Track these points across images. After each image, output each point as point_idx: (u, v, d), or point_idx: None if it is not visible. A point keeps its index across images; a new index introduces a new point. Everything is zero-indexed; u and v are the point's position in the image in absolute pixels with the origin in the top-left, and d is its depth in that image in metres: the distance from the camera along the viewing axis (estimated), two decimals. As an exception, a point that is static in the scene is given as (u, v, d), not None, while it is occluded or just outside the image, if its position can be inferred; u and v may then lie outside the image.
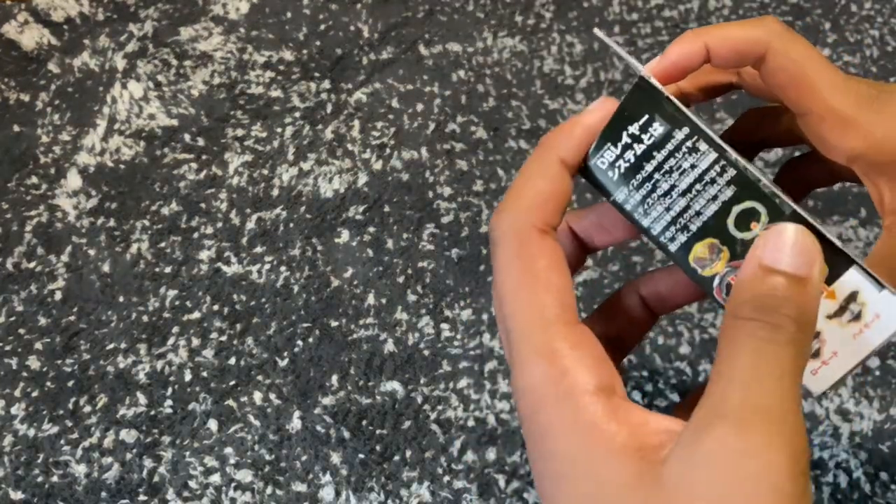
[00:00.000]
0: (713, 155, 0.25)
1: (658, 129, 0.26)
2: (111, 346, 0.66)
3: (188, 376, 0.65)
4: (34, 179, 0.75)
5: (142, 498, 0.60)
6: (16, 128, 0.79)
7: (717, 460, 0.22)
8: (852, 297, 0.25)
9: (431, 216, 0.73)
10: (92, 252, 0.71)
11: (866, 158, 0.32)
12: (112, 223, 0.73)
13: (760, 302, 0.23)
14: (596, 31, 0.28)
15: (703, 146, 0.25)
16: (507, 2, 0.87)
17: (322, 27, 0.85)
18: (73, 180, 0.75)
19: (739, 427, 0.22)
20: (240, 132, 0.78)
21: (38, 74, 0.82)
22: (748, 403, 0.22)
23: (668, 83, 0.32)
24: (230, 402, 0.64)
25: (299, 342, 0.66)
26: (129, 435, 0.62)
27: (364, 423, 0.63)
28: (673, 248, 0.26)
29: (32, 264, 0.71)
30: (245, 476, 0.61)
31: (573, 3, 0.87)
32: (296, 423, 0.63)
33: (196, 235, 0.72)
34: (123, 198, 0.74)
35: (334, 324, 0.67)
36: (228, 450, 0.62)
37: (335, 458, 0.61)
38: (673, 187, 0.26)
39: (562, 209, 0.27)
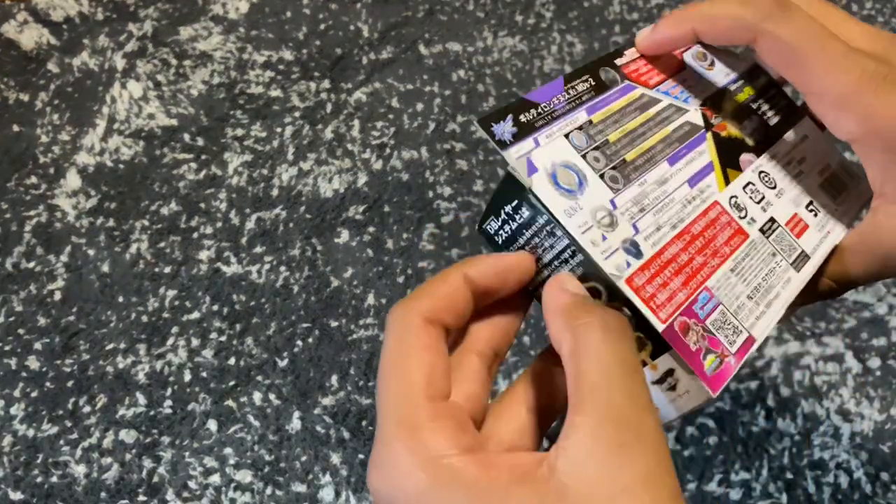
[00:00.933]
0: (565, 241, 0.29)
1: (524, 212, 0.30)
2: (110, 346, 0.66)
3: (188, 376, 0.65)
4: (33, 179, 0.75)
5: (141, 498, 0.60)
6: (15, 127, 0.79)
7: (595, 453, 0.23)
8: (669, 372, 0.29)
9: (431, 216, 0.73)
10: (91, 252, 0.71)
11: (863, 142, 0.31)
12: (111, 223, 0.73)
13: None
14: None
15: (559, 232, 0.29)
16: (507, 1, 0.87)
17: (322, 27, 0.85)
18: (73, 180, 0.75)
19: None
20: (239, 132, 0.78)
21: (38, 74, 0.82)
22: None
23: (660, 54, 0.35)
24: (230, 402, 0.64)
25: (299, 342, 0.66)
26: (128, 435, 0.62)
27: (364, 423, 0.63)
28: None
29: (32, 264, 0.71)
30: (245, 476, 0.61)
31: (573, 3, 0.86)
32: (295, 424, 0.63)
33: (195, 235, 0.72)
34: (123, 198, 0.74)
35: (334, 324, 0.67)
36: (228, 450, 0.62)
37: (335, 458, 0.61)
38: (539, 259, 0.30)
39: (455, 312, 0.29)
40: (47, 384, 0.65)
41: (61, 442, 0.62)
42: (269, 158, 0.76)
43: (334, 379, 0.65)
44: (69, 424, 0.63)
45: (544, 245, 0.30)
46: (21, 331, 0.67)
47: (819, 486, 0.60)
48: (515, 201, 0.30)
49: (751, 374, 0.64)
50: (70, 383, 0.65)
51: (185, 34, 0.84)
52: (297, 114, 0.79)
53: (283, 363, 0.65)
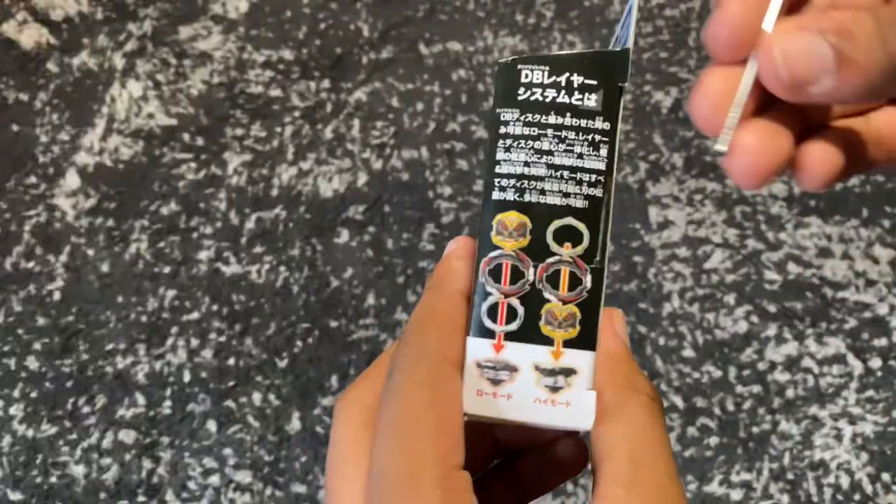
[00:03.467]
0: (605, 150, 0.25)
1: (593, 100, 0.25)
2: (110, 346, 0.66)
3: (187, 377, 0.65)
4: (33, 179, 0.75)
5: (141, 499, 0.60)
6: (14, 127, 0.78)
7: None
8: (568, 372, 0.24)
9: (431, 216, 0.73)
10: (91, 252, 0.71)
11: None
12: (111, 223, 0.72)
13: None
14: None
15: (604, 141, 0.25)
16: (507, 1, 0.87)
17: (322, 26, 0.85)
18: (72, 180, 0.75)
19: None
20: (239, 131, 0.78)
21: (37, 74, 0.82)
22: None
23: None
24: (229, 402, 0.64)
25: (299, 342, 0.66)
26: (127, 435, 0.62)
27: (364, 423, 0.63)
28: (494, 195, 0.25)
29: (31, 264, 0.70)
30: (244, 477, 0.61)
31: (574, 2, 0.86)
32: (295, 424, 0.63)
33: (195, 235, 0.72)
34: (122, 197, 0.74)
35: (334, 324, 0.67)
36: (227, 451, 0.62)
37: (335, 459, 0.61)
38: (551, 152, 0.25)
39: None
40: (46, 384, 0.65)
41: (60, 442, 0.62)
42: (268, 158, 0.76)
43: (334, 379, 0.65)
44: (68, 425, 0.63)
45: (574, 144, 0.25)
46: (20, 331, 0.67)
47: (820, 487, 0.59)
48: (596, 81, 0.25)
49: (752, 375, 0.64)
50: (69, 384, 0.65)
51: (185, 34, 0.84)
52: (296, 113, 0.79)
53: (282, 363, 0.65)
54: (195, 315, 0.68)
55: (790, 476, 0.60)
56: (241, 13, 0.86)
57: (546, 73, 0.25)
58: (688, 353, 0.65)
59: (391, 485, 0.22)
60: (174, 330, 0.67)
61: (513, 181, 0.25)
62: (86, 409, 0.63)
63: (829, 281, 0.68)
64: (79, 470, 0.61)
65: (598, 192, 0.25)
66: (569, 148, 0.25)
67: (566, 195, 0.25)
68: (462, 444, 0.22)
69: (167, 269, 0.70)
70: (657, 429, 0.23)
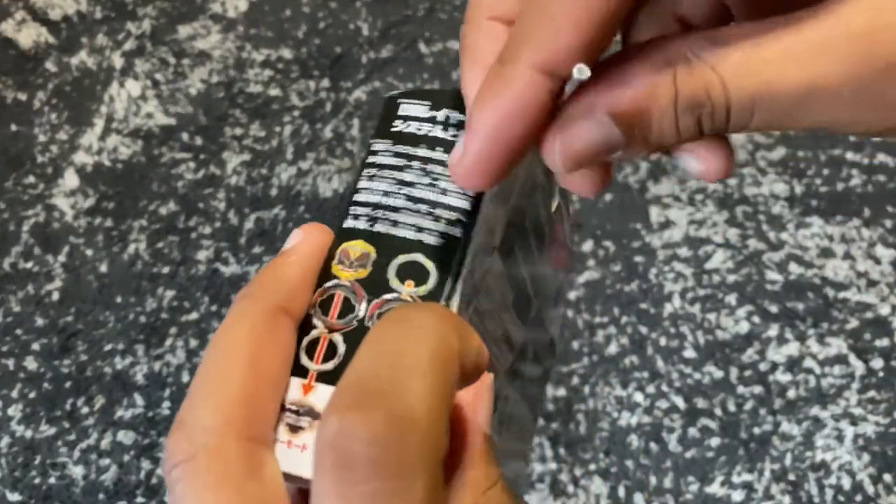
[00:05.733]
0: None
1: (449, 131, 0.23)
2: (109, 346, 0.66)
3: (186, 377, 0.64)
4: (31, 179, 0.75)
5: (140, 500, 0.60)
6: (13, 127, 0.78)
7: None
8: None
9: (431, 216, 0.72)
10: (89, 252, 0.71)
11: None
12: (109, 223, 0.72)
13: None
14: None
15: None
16: None
17: (321, 25, 0.84)
18: (71, 180, 0.75)
19: None
20: (238, 131, 0.78)
21: (36, 73, 0.82)
22: None
23: None
24: (228, 403, 0.63)
25: (298, 343, 0.66)
26: (126, 436, 0.62)
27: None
28: (346, 224, 0.23)
29: (29, 264, 0.70)
30: (243, 478, 0.60)
31: (574, 1, 0.86)
32: (294, 425, 0.62)
33: (194, 235, 0.72)
34: (121, 197, 0.74)
35: (333, 324, 0.67)
36: (227, 452, 0.61)
37: (334, 460, 0.61)
38: (412, 184, 0.23)
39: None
40: (45, 385, 0.64)
41: (59, 443, 0.62)
42: (267, 158, 0.76)
43: (334, 380, 0.64)
44: (67, 425, 0.63)
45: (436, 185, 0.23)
46: (19, 331, 0.67)
47: (821, 488, 0.59)
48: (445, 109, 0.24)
49: (753, 376, 0.64)
50: (68, 384, 0.64)
51: (184, 33, 0.84)
52: (296, 113, 0.79)
53: (282, 364, 0.65)
54: (194, 315, 0.67)
55: (791, 477, 0.60)
56: (241, 12, 0.85)
57: (427, 108, 0.24)
58: (689, 353, 0.65)
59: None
60: (173, 330, 0.67)
61: (367, 210, 0.23)
62: (84, 410, 0.63)
63: (830, 281, 0.67)
64: (77, 471, 0.61)
65: (456, 231, 0.22)
66: (433, 182, 0.23)
67: (420, 230, 0.22)
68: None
69: (166, 270, 0.70)
70: None
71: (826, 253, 0.69)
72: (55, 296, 0.69)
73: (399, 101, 0.25)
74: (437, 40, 0.83)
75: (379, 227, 0.23)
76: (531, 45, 0.18)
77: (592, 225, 0.71)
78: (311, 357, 0.21)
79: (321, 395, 0.21)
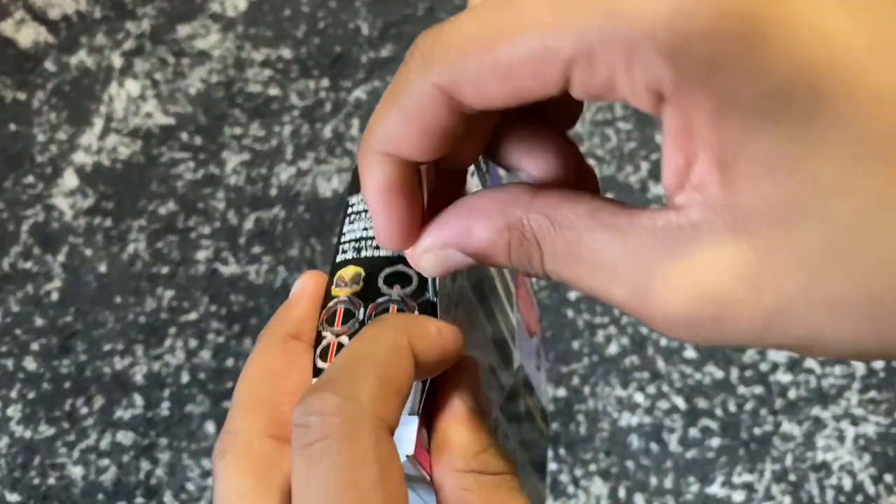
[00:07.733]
0: None
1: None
2: (108, 347, 0.66)
3: (185, 378, 0.64)
4: (30, 179, 0.75)
5: (139, 500, 0.59)
6: (12, 126, 0.78)
7: None
8: None
9: (431, 216, 0.72)
10: (88, 252, 0.71)
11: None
12: (109, 223, 0.72)
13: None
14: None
15: None
16: None
17: (321, 25, 0.84)
18: (70, 179, 0.75)
19: None
20: (238, 131, 0.78)
21: (35, 72, 0.81)
22: None
23: None
24: (228, 404, 0.63)
25: (298, 343, 0.66)
26: (125, 437, 0.62)
27: (363, 425, 0.62)
28: (337, 259, 0.28)
29: (28, 264, 0.70)
30: (243, 479, 0.60)
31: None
32: (294, 425, 0.62)
33: (193, 235, 0.71)
34: (120, 197, 0.74)
35: (333, 324, 0.67)
36: (226, 452, 0.61)
37: (334, 460, 0.61)
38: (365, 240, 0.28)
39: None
40: (44, 385, 0.64)
41: (58, 443, 0.62)
42: (267, 157, 0.76)
43: (333, 380, 0.64)
44: (66, 426, 0.62)
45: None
46: (18, 331, 0.67)
47: (822, 489, 0.59)
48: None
49: (754, 376, 0.64)
50: (67, 385, 0.64)
51: (184, 32, 0.84)
52: (295, 112, 0.78)
53: (281, 364, 0.65)
54: (193, 315, 0.67)
55: (792, 477, 0.60)
56: (240, 11, 0.85)
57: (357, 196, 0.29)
58: (689, 353, 0.65)
59: None
60: (172, 331, 0.67)
61: (353, 244, 0.28)
62: (84, 410, 0.63)
63: (831, 281, 0.67)
64: (77, 471, 0.61)
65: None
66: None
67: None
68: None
69: (165, 270, 0.70)
70: None
71: (827, 253, 0.69)
72: (54, 296, 0.68)
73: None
74: (436, 40, 0.83)
75: (365, 253, 0.28)
76: (376, 135, 0.22)
77: (592, 225, 0.71)
78: (324, 360, 0.25)
79: None
